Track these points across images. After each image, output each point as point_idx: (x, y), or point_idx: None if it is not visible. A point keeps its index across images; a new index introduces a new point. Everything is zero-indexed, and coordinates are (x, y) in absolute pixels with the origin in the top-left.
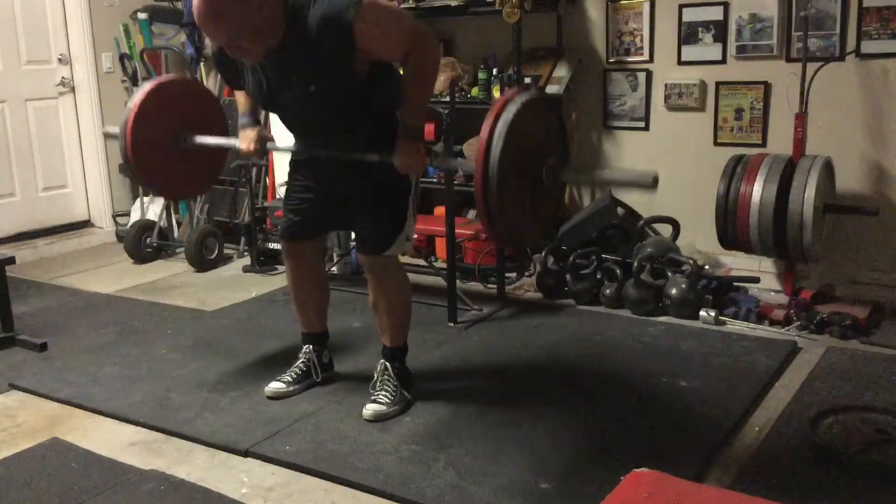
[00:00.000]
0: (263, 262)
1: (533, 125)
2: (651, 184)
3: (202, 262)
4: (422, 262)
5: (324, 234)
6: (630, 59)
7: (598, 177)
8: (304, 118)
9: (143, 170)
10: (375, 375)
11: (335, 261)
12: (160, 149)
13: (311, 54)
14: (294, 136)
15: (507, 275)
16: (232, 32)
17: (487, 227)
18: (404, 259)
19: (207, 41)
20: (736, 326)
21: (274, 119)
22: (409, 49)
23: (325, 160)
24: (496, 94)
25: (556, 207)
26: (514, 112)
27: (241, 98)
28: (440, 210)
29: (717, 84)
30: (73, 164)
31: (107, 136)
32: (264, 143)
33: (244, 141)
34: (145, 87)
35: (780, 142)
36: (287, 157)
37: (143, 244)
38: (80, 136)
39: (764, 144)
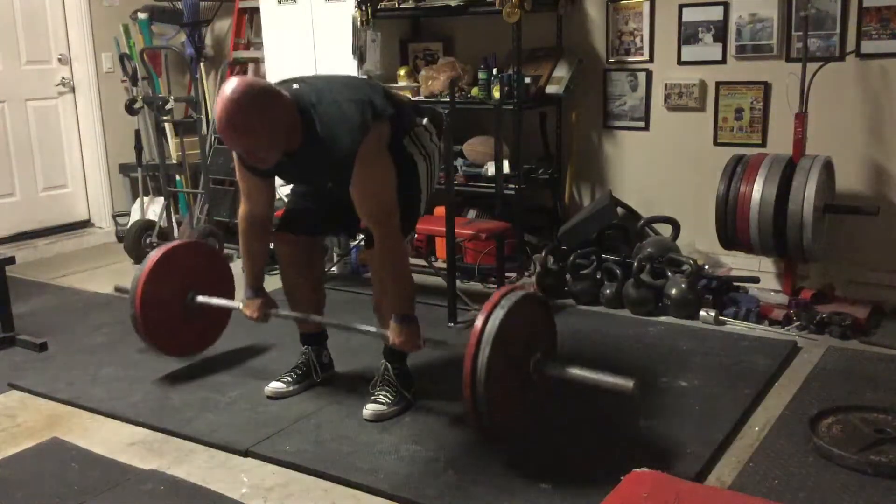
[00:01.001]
0: None
1: (524, 321)
2: (632, 390)
3: None
4: (422, 261)
5: (321, 234)
6: (630, 59)
7: (579, 376)
8: (329, 197)
9: (149, 327)
10: (376, 375)
11: (335, 261)
12: (168, 308)
13: (324, 159)
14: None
15: (507, 275)
16: (254, 144)
17: (473, 416)
18: None
19: (207, 41)
20: (736, 326)
21: None
22: (378, 217)
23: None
24: (496, 94)
25: (544, 400)
26: (506, 310)
27: (247, 269)
28: (440, 210)
29: (717, 84)
30: (73, 164)
31: (117, 290)
32: (268, 312)
33: (249, 308)
34: (156, 253)
35: (780, 142)
36: None
37: (143, 244)
38: (80, 136)
39: (764, 144)
